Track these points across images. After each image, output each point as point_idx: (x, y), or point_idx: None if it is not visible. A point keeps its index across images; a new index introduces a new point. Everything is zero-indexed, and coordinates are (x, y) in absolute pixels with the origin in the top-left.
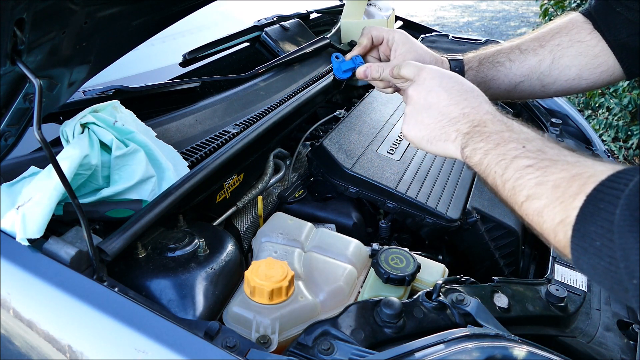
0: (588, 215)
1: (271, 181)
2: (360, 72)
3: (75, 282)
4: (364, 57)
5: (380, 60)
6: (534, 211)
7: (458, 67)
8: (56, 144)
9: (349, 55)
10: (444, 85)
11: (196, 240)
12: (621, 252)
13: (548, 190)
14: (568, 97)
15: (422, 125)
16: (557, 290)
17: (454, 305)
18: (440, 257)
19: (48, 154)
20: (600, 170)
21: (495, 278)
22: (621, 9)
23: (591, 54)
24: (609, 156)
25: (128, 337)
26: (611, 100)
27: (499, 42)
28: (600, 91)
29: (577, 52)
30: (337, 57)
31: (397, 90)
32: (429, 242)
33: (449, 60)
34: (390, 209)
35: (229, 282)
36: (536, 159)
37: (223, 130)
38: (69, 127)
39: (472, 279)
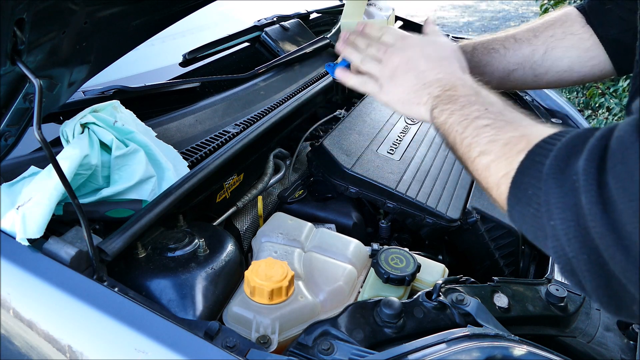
0: (525, 168)
1: (271, 181)
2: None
3: (75, 282)
4: None
5: None
6: (482, 166)
7: None
8: (56, 144)
9: (340, 58)
10: (424, 52)
11: (196, 240)
12: (544, 196)
13: (498, 147)
14: (568, 97)
15: (400, 87)
16: (557, 290)
17: (454, 305)
18: (440, 257)
19: (48, 154)
20: (547, 132)
21: (495, 278)
22: (611, 5)
23: (583, 47)
24: None
25: (128, 337)
26: (611, 100)
27: None
28: (600, 91)
29: (570, 44)
30: (329, 65)
31: None
32: (429, 242)
33: None
34: (390, 209)
35: (229, 282)
36: (494, 119)
37: (223, 130)
38: (69, 127)
39: (472, 279)
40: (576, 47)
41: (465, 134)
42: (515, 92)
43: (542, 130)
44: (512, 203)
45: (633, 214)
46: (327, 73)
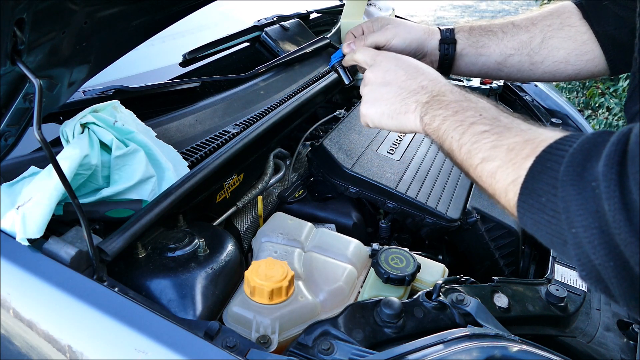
0: (536, 173)
1: (271, 181)
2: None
3: (75, 282)
4: None
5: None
6: (487, 172)
7: (449, 33)
8: (56, 144)
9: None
10: (400, 64)
11: (196, 240)
12: (563, 203)
13: (502, 153)
14: (568, 97)
15: (382, 101)
16: (557, 290)
17: (454, 305)
18: (440, 257)
19: (48, 154)
20: (551, 136)
21: (495, 278)
22: (608, 2)
23: (580, 40)
24: None
25: (128, 337)
26: (611, 100)
27: None
28: (600, 91)
29: (567, 35)
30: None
31: None
32: (429, 242)
33: (439, 28)
34: (390, 209)
35: (229, 282)
36: (492, 125)
37: (223, 130)
38: (69, 127)
39: (472, 279)
40: (572, 39)
41: (462, 140)
42: (515, 92)
43: (544, 134)
44: (523, 210)
45: None
46: (327, 73)
